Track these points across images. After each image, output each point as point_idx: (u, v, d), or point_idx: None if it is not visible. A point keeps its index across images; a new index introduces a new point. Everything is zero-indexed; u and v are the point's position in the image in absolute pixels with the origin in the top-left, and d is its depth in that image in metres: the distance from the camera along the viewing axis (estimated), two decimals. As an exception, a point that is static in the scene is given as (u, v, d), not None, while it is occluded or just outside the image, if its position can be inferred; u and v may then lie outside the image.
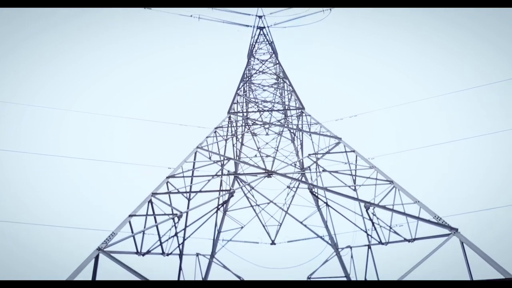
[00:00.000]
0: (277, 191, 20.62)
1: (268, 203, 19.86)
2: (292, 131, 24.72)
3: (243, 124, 22.20)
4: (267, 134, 26.23)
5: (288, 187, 20.94)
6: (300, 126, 22.28)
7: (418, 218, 11.37)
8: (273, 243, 19.11)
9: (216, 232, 18.64)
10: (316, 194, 16.62)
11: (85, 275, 9.88)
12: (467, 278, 9.80)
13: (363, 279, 14.94)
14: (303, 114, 22.14)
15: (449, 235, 10.33)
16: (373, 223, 13.00)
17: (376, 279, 14.50)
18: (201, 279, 16.64)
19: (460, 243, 10.11)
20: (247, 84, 27.94)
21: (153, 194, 13.03)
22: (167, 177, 14.26)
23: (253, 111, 22.40)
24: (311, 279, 16.07)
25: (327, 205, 16.59)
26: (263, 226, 19.65)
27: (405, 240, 12.19)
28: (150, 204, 12.79)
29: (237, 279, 16.27)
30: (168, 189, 13.98)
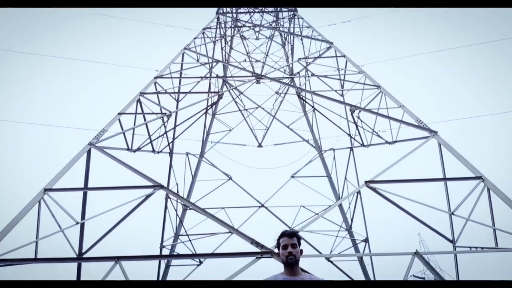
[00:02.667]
0: (265, 97, 20.74)
1: (256, 108, 20.09)
2: (283, 35, 24.04)
3: (233, 26, 21.43)
4: (257, 38, 25.43)
5: (277, 92, 20.99)
6: (291, 30, 21.64)
7: (401, 121, 11.74)
8: (260, 145, 19.73)
9: (205, 134, 19.09)
10: (304, 98, 16.79)
11: (79, 168, 10.32)
12: (441, 176, 10.54)
13: (344, 179, 15.86)
14: (296, 17, 21.37)
15: (428, 137, 10.79)
16: (357, 126, 13.40)
17: (356, 179, 15.41)
18: (191, 177, 17.47)
19: (437, 145, 10.65)
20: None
21: (142, 93, 13.01)
22: (155, 77, 14.14)
23: (243, 12, 21.48)
24: (294, 177, 17.02)
25: (314, 109, 16.88)
26: (251, 130, 20.11)
27: (386, 142, 12.70)
28: (139, 103, 12.83)
29: (225, 176, 17.13)
30: (156, 90, 13.94)
